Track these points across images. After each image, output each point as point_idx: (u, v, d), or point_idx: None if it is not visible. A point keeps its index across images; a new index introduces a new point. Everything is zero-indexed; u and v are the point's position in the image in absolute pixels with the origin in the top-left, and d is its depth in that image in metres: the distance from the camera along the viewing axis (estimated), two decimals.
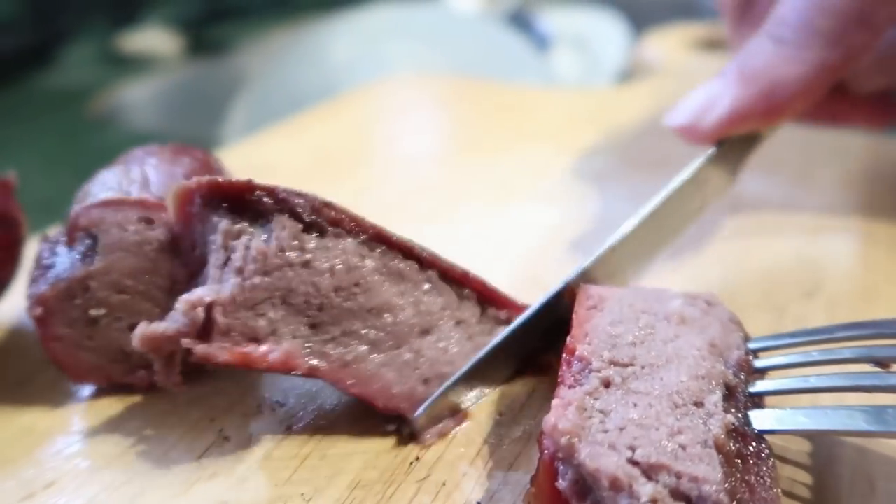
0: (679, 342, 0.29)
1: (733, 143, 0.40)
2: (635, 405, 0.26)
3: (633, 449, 0.24)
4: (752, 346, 0.31)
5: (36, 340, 0.35)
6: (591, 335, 0.29)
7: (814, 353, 0.29)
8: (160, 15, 1.37)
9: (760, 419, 0.27)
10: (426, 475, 0.29)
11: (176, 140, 0.42)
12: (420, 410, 0.31)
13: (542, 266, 0.44)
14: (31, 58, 1.25)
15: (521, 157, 0.59)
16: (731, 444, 0.25)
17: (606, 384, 0.27)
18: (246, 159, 0.43)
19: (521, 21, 1.19)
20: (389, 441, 0.31)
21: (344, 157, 0.61)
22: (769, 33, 0.39)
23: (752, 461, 0.25)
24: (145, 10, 1.35)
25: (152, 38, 1.31)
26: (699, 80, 0.41)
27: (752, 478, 0.24)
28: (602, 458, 0.24)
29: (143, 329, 0.29)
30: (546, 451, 0.25)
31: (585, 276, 0.35)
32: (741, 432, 0.26)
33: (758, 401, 0.28)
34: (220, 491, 0.29)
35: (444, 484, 0.29)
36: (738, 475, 0.24)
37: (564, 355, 0.29)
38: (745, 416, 0.27)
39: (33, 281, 0.33)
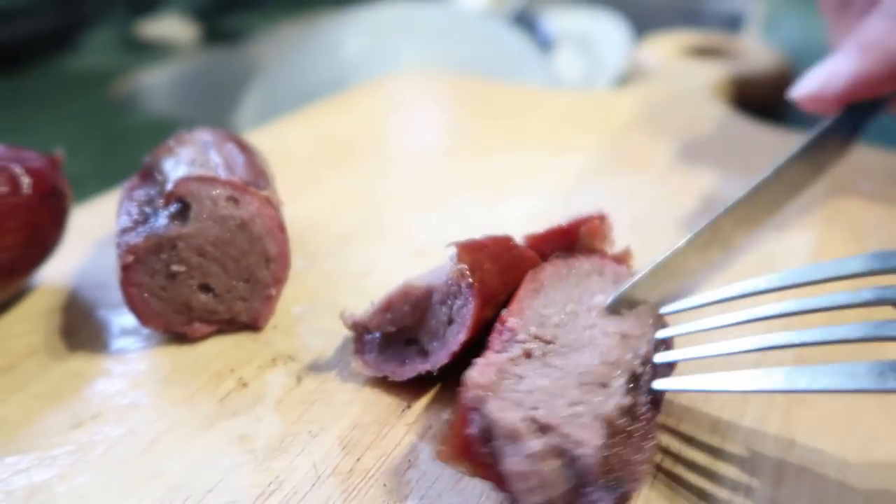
0: (595, 331, 0.33)
1: (856, 109, 0.46)
2: (548, 376, 0.30)
3: (533, 409, 0.28)
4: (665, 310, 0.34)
5: (82, 298, 0.40)
6: (524, 312, 0.33)
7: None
8: (178, 3, 1.42)
9: (659, 384, 0.31)
10: (414, 420, 0.35)
11: (192, 125, 0.47)
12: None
13: None
14: (54, 42, 1.30)
15: (517, 154, 0.64)
16: (621, 421, 0.28)
17: (528, 355, 0.31)
18: (261, 146, 0.48)
19: (525, 21, 1.23)
20: (384, 393, 0.36)
21: (353, 147, 0.65)
22: (885, 13, 0.45)
23: (635, 438, 0.28)
24: None
25: (170, 26, 1.35)
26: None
27: (630, 452, 0.28)
28: (505, 411, 0.27)
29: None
30: (463, 402, 0.28)
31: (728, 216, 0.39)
32: (634, 414, 0.29)
33: (665, 371, 0.32)
34: (239, 427, 0.34)
35: (430, 427, 0.34)
36: (618, 448, 0.27)
37: (497, 324, 0.33)
38: (644, 402, 0.30)
39: (124, 231, 0.38)
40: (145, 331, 0.40)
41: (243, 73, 1.19)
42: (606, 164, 0.62)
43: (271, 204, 0.39)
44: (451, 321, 0.35)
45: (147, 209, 0.39)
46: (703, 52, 0.95)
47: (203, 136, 0.45)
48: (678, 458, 0.32)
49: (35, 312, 0.43)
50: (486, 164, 0.62)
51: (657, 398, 0.31)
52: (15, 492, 0.31)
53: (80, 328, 0.41)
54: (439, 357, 0.35)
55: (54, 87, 1.18)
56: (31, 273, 0.43)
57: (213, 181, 0.38)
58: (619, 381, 0.30)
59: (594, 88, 0.93)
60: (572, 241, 0.38)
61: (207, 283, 0.39)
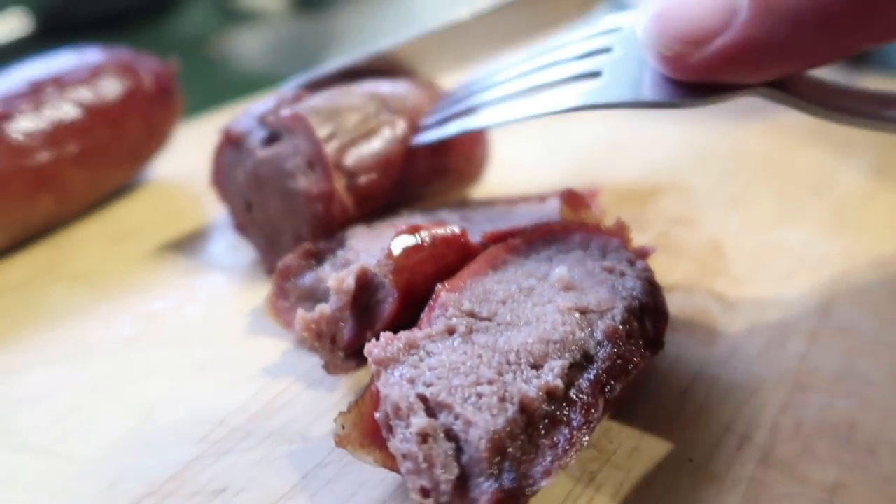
0: (548, 307, 0.28)
1: None
2: (464, 353, 0.26)
3: (428, 386, 0.24)
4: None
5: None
6: (466, 287, 0.29)
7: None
8: None
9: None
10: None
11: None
12: None
13: None
14: (157, 8, 1.40)
15: None
16: (544, 406, 0.24)
17: (450, 331, 0.27)
18: None
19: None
20: None
21: None
22: None
23: (561, 427, 0.24)
24: None
25: None
26: None
27: (548, 442, 0.24)
28: (395, 387, 0.24)
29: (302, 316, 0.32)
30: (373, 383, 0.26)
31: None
32: (569, 400, 0.25)
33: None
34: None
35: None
36: (532, 435, 0.24)
37: (431, 301, 0.29)
38: (587, 389, 0.25)
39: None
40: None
41: (327, 39, 1.26)
42: None
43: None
44: (367, 308, 0.31)
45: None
46: None
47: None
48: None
49: (154, 194, 0.49)
50: None
51: (609, 387, 0.26)
52: (139, 316, 0.37)
53: (187, 209, 0.48)
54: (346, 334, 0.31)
55: (157, 49, 1.28)
56: (150, 159, 0.49)
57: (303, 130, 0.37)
58: (558, 363, 0.26)
59: None
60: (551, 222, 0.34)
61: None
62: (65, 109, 0.43)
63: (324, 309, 0.32)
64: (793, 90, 0.27)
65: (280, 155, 0.37)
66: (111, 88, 0.46)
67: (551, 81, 0.33)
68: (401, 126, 0.39)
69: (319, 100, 0.39)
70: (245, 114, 0.40)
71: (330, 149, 0.36)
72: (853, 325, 0.34)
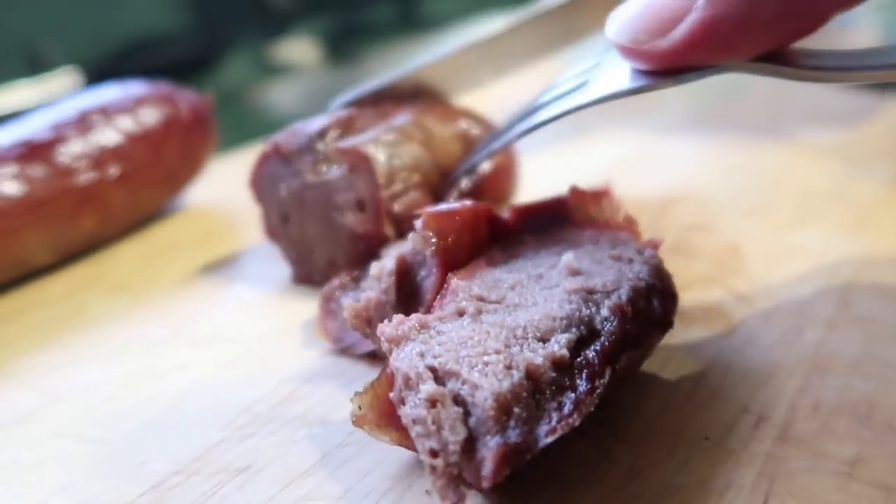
0: (555, 290, 0.29)
1: None
2: (473, 330, 0.27)
3: (437, 357, 0.25)
4: None
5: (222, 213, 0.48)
6: (477, 275, 0.30)
7: None
8: (305, 30, 1.57)
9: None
10: None
11: None
12: None
13: None
14: (199, 63, 1.47)
15: None
16: (550, 373, 0.25)
17: (460, 313, 0.28)
18: None
19: None
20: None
21: None
22: None
23: (567, 392, 0.25)
24: (293, 24, 1.55)
25: (298, 48, 1.50)
26: None
27: (554, 404, 0.24)
28: (405, 360, 0.25)
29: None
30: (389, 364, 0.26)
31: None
32: (577, 369, 0.25)
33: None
34: None
35: None
36: (539, 400, 0.24)
37: (443, 289, 0.30)
38: (593, 361, 0.26)
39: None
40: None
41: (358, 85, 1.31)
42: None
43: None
44: (414, 293, 0.32)
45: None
46: None
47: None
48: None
49: (189, 217, 0.51)
50: None
51: (616, 358, 0.26)
52: (171, 321, 0.39)
53: (221, 231, 0.50)
54: None
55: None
56: (186, 184, 0.52)
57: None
58: (564, 336, 0.26)
59: None
60: (566, 212, 0.34)
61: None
62: (108, 135, 0.46)
63: (369, 295, 0.32)
64: (777, 62, 0.28)
65: (331, 186, 0.38)
66: (151, 116, 0.49)
67: (548, 99, 0.35)
68: (444, 171, 0.40)
69: (375, 134, 0.39)
70: (296, 132, 0.40)
71: (385, 194, 0.37)
72: (872, 314, 0.34)
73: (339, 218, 0.38)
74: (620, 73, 0.31)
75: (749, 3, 0.25)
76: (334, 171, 0.38)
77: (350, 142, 0.38)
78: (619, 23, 0.29)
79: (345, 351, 0.34)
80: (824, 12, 0.26)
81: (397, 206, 0.37)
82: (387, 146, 0.38)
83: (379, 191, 0.37)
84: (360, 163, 0.37)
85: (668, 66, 0.28)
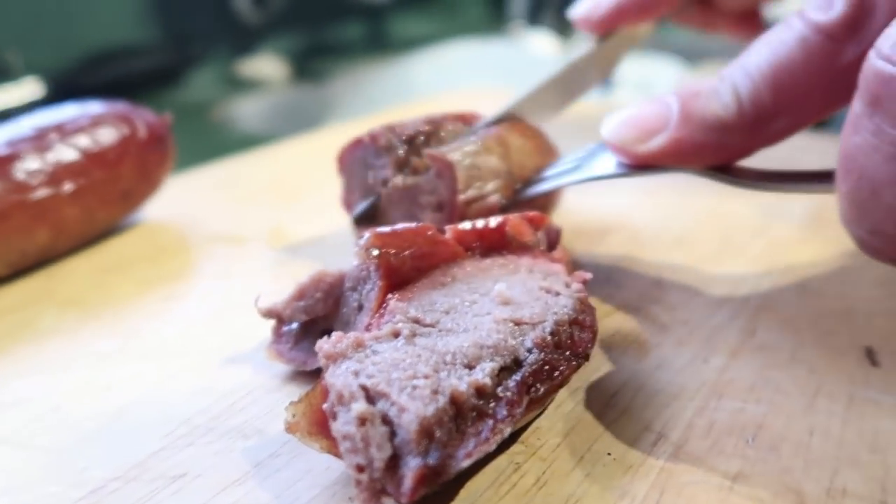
0: (487, 318, 0.31)
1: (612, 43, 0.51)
2: (405, 353, 0.28)
3: (370, 377, 0.27)
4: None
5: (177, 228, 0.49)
6: (414, 297, 0.32)
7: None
8: (272, 46, 1.59)
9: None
10: None
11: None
12: None
13: None
14: (166, 77, 1.48)
15: None
16: (472, 400, 0.27)
17: (395, 334, 0.30)
18: None
19: None
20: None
21: None
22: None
23: (486, 419, 0.27)
24: (260, 41, 1.57)
25: (265, 65, 1.52)
26: None
27: (473, 430, 0.26)
28: (340, 377, 0.27)
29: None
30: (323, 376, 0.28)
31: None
32: (497, 397, 0.27)
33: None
34: None
35: None
36: (460, 425, 0.26)
37: (382, 309, 0.32)
38: (514, 389, 0.28)
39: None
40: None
41: (324, 106, 1.33)
42: None
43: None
44: (360, 307, 0.34)
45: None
46: None
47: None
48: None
49: (144, 233, 0.53)
50: None
51: (535, 388, 0.29)
52: (120, 335, 0.40)
53: (174, 247, 0.51)
54: None
55: (162, 113, 1.36)
56: (142, 202, 0.53)
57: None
58: (489, 364, 0.28)
59: None
60: (502, 239, 0.37)
61: None
62: (65, 153, 0.48)
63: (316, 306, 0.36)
64: (725, 172, 0.37)
65: (418, 187, 0.43)
66: (108, 136, 0.50)
67: (555, 173, 0.45)
68: (518, 182, 0.45)
69: (460, 144, 0.43)
70: (394, 129, 0.44)
71: (461, 199, 0.42)
72: (772, 344, 0.37)
73: (420, 215, 0.43)
74: (608, 162, 0.40)
75: (702, 133, 0.35)
76: (423, 175, 0.43)
77: (439, 150, 0.43)
78: (611, 126, 0.38)
79: (294, 367, 0.36)
80: (751, 148, 0.36)
81: (470, 212, 0.42)
82: (469, 156, 0.43)
83: (457, 195, 0.41)
84: (445, 169, 0.42)
85: (644, 164, 0.38)
